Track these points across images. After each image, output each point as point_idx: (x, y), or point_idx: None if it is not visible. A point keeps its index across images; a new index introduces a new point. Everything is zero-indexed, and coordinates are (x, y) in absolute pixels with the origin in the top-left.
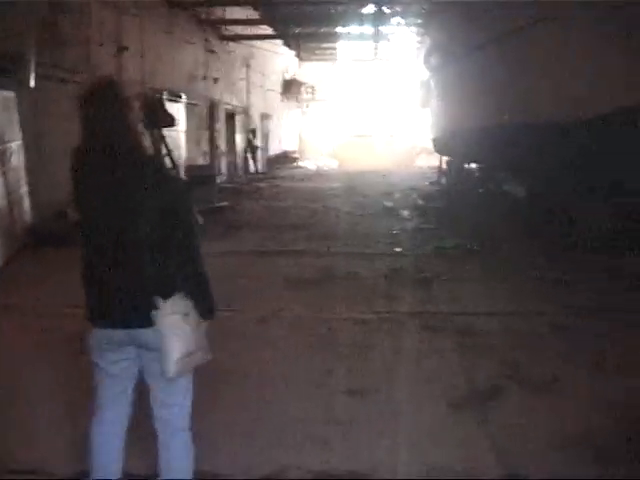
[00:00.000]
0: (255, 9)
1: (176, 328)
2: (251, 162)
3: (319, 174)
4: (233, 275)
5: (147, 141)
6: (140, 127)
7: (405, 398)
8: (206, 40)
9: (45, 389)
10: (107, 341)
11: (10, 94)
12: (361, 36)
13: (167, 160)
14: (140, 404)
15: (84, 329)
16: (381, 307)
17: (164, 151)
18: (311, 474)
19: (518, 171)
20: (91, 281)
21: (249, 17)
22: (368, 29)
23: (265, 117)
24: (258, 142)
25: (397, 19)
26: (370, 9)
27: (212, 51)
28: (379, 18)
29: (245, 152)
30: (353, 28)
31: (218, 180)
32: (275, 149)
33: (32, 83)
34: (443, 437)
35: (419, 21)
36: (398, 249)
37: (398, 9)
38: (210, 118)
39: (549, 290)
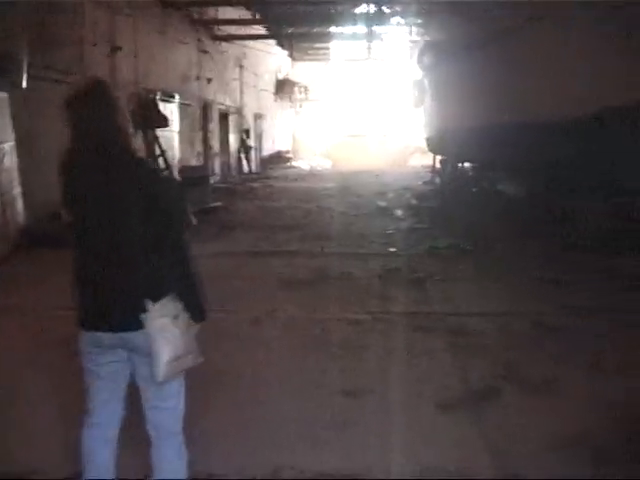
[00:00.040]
0: (248, 9)
1: (165, 331)
2: (245, 162)
3: (313, 174)
4: (227, 276)
5: (138, 142)
6: (129, 128)
7: (399, 399)
8: (199, 40)
9: (40, 391)
10: (97, 344)
11: (3, 95)
12: (354, 36)
13: (161, 161)
14: (133, 406)
15: (77, 331)
16: (375, 307)
17: (157, 152)
18: (305, 475)
19: (512, 170)
20: (81, 283)
21: (242, 17)
22: (361, 29)
23: (258, 117)
24: (251, 142)
25: (397, 19)
26: (363, 9)
27: (205, 51)
28: (378, 18)
29: (239, 152)
30: (346, 28)
31: (212, 180)
32: (268, 149)
33: (24, 84)
34: (437, 438)
35: (419, 21)
36: (392, 249)
37: (398, 9)
38: (203, 118)
39: (545, 290)
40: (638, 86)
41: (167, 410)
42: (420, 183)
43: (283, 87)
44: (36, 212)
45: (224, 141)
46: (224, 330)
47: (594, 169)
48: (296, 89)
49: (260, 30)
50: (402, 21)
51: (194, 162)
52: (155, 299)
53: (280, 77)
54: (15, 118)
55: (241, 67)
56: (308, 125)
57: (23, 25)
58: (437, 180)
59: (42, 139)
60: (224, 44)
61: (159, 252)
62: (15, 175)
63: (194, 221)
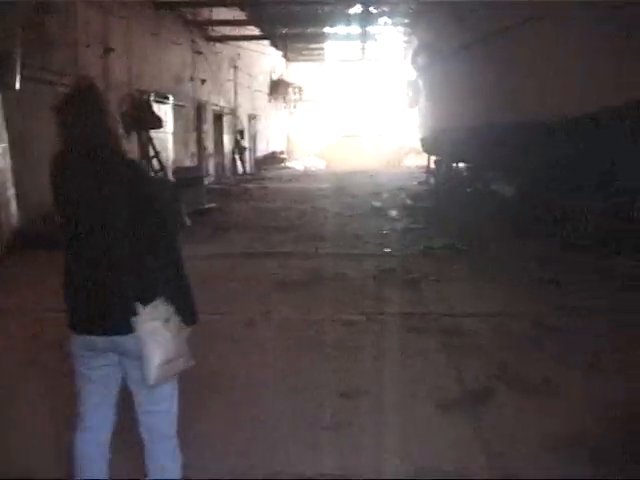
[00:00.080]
0: (242, 10)
1: (156, 334)
2: (239, 163)
3: (307, 175)
4: (221, 277)
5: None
6: (120, 130)
7: (394, 400)
8: (193, 41)
9: (34, 393)
10: (89, 347)
11: None
12: (348, 36)
13: (155, 162)
14: (126, 410)
15: (69, 334)
16: (370, 308)
17: (152, 153)
18: (301, 476)
19: (506, 170)
20: (72, 286)
21: (236, 18)
22: (355, 29)
23: (253, 118)
24: (246, 143)
25: (384, 19)
26: (357, 9)
27: (199, 52)
28: (366, 18)
29: (233, 153)
30: (340, 28)
31: (206, 181)
32: (263, 150)
33: (18, 85)
34: (433, 438)
35: (406, 21)
36: (387, 250)
37: (385, 9)
38: (197, 119)
39: (542, 290)
40: (637, 86)
41: (160, 413)
42: (415, 183)
43: (277, 88)
44: (30, 214)
45: (218, 142)
46: (219, 331)
47: (593, 169)
48: (290, 90)
49: (254, 31)
50: (389, 21)
51: (188, 163)
52: (146, 302)
53: (274, 78)
54: (8, 119)
55: (235, 68)
56: (302, 126)
57: (16, 26)
58: (432, 180)
59: (36, 140)
60: (218, 45)
61: (152, 254)
62: (9, 176)
63: (188, 222)
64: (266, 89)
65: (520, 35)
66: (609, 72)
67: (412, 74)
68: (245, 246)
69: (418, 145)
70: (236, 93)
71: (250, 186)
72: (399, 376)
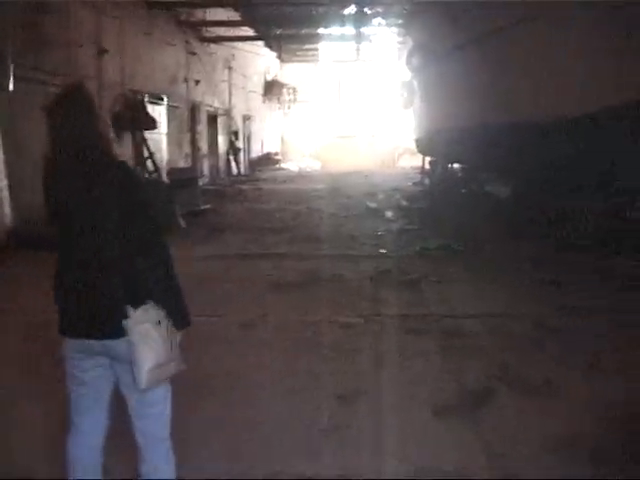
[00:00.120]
0: (236, 10)
1: (147, 337)
2: (233, 164)
3: (302, 176)
4: (216, 278)
5: (127, 144)
6: (111, 132)
7: (393, 401)
8: (187, 42)
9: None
10: (79, 350)
11: None
12: (342, 37)
13: (149, 163)
14: (120, 412)
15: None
16: (367, 310)
17: (146, 154)
18: (300, 477)
19: (501, 171)
20: (63, 289)
21: (230, 18)
22: (349, 30)
23: (247, 119)
24: (240, 144)
25: (378, 20)
26: (351, 10)
27: (193, 53)
28: (360, 19)
29: (227, 154)
30: (334, 29)
31: (200, 183)
32: (257, 151)
33: (11, 86)
34: (433, 440)
35: (400, 22)
36: (383, 251)
37: (379, 10)
38: (192, 120)
39: (542, 291)
40: (637, 86)
41: (153, 417)
42: (409, 184)
43: (272, 88)
44: (23, 214)
45: (213, 143)
46: (214, 333)
47: (592, 169)
48: (285, 90)
49: (248, 31)
50: (383, 22)
51: (182, 164)
52: (136, 305)
53: (269, 78)
54: (1, 120)
55: (230, 69)
56: (297, 126)
57: (9, 26)
58: (426, 181)
59: (29, 141)
60: (212, 45)
61: (142, 255)
62: (2, 177)
63: (183, 223)
64: (260, 90)
65: (514, 35)
66: (609, 72)
67: (406, 75)
68: (240, 247)
69: (413, 146)
70: (230, 94)
71: (245, 187)
72: (400, 378)
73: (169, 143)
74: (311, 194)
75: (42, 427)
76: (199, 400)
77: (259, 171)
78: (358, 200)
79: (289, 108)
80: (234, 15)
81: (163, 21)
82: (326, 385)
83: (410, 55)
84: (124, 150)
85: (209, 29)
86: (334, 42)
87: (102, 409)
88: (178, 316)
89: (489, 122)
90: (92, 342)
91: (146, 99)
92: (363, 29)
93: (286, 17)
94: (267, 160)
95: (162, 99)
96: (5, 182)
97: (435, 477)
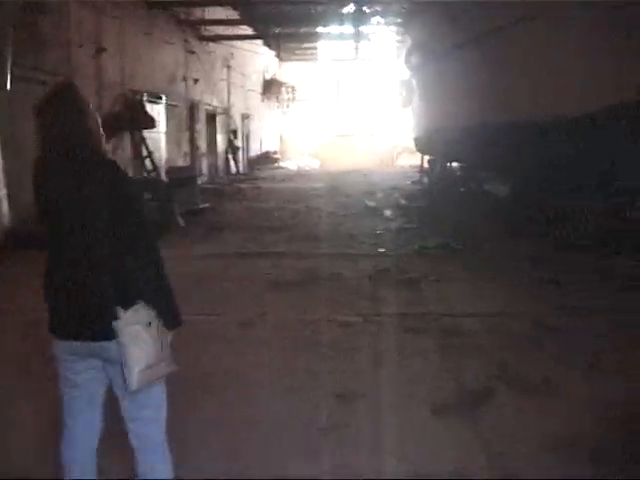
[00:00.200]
0: (234, 9)
1: (137, 339)
2: (232, 163)
3: (300, 174)
4: (215, 277)
5: (125, 143)
6: (101, 130)
7: (392, 400)
8: (186, 41)
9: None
10: (71, 352)
11: None
12: (341, 36)
13: (148, 162)
14: (115, 414)
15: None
16: (366, 308)
17: (145, 153)
18: (299, 477)
19: (500, 170)
20: (53, 290)
21: (229, 17)
22: (348, 29)
23: (246, 117)
24: (239, 143)
25: (377, 18)
26: (350, 9)
27: (192, 52)
28: (359, 18)
29: (226, 153)
30: (333, 28)
31: (199, 181)
32: (256, 150)
33: (9, 85)
34: (432, 439)
35: (399, 20)
36: (382, 249)
37: (378, 9)
38: (190, 119)
39: (541, 290)
40: (636, 86)
41: (147, 419)
42: (408, 183)
43: (270, 87)
44: (21, 214)
45: (211, 142)
46: (213, 332)
47: (592, 169)
48: (283, 89)
49: (247, 30)
50: (382, 21)
51: (181, 163)
52: (127, 306)
53: (267, 77)
54: (0, 120)
55: (228, 67)
56: (296, 125)
57: (8, 25)
58: (425, 180)
59: (27, 141)
60: (211, 44)
61: (132, 254)
62: (0, 177)
63: (182, 222)
64: (259, 89)
65: (513, 35)
66: (608, 72)
67: (405, 73)
68: (239, 246)
69: (411, 144)
70: (229, 93)
71: (243, 186)
72: (398, 377)
73: (168, 142)
74: (310, 193)
75: (32, 426)
76: (197, 399)
77: (258, 170)
78: (357, 199)
79: (288, 107)
80: (233, 14)
81: (162, 20)
82: (325, 384)
83: (409, 54)
84: (114, 146)
85: (208, 28)
86: (333, 41)
87: (95, 411)
88: (169, 316)
89: (488, 121)
90: (83, 344)
91: (145, 98)
92: (362, 28)
93: (285, 16)
94: (266, 159)
95: (161, 98)
96: (3, 182)
97: (434, 476)
